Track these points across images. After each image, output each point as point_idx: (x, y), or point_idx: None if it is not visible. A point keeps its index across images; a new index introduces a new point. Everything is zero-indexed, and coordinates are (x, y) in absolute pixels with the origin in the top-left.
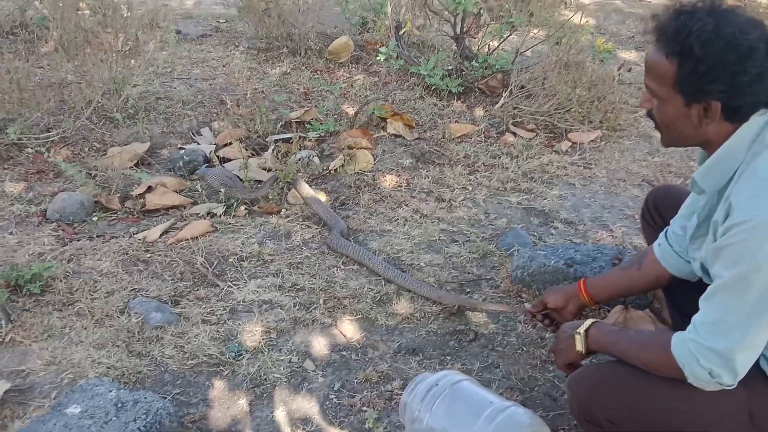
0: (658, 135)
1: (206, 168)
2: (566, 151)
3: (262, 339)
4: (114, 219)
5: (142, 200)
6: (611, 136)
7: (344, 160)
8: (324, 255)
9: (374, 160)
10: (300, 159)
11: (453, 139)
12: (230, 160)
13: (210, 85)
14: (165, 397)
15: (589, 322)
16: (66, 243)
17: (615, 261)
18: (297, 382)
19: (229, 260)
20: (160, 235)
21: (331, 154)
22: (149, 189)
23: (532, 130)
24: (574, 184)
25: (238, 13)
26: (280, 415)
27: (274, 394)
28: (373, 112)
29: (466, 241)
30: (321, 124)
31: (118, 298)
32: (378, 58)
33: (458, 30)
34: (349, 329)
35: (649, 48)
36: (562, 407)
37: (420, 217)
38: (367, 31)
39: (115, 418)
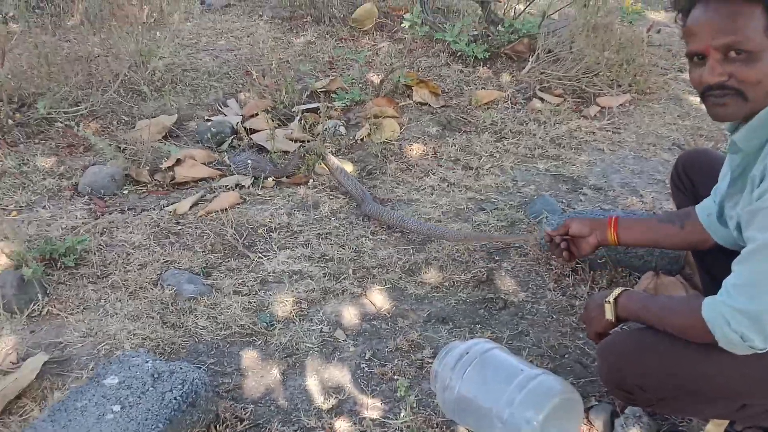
0: (689, 98)
1: (234, 157)
2: (595, 115)
3: (293, 309)
4: (144, 192)
5: (171, 173)
6: (641, 99)
7: (370, 130)
8: (352, 225)
9: (400, 128)
10: (326, 129)
11: (479, 105)
12: (257, 131)
13: (235, 55)
14: (200, 367)
15: (618, 290)
16: (98, 216)
17: None
18: (328, 352)
19: (259, 231)
20: (190, 208)
21: (357, 124)
22: (178, 162)
23: (559, 96)
24: (603, 150)
25: None
26: (312, 384)
27: (306, 363)
28: (398, 80)
29: (494, 209)
30: (346, 93)
31: (151, 270)
32: (402, 24)
33: None
34: (378, 299)
35: (708, 8)
36: (593, 374)
37: (447, 186)
38: None
39: (152, 388)
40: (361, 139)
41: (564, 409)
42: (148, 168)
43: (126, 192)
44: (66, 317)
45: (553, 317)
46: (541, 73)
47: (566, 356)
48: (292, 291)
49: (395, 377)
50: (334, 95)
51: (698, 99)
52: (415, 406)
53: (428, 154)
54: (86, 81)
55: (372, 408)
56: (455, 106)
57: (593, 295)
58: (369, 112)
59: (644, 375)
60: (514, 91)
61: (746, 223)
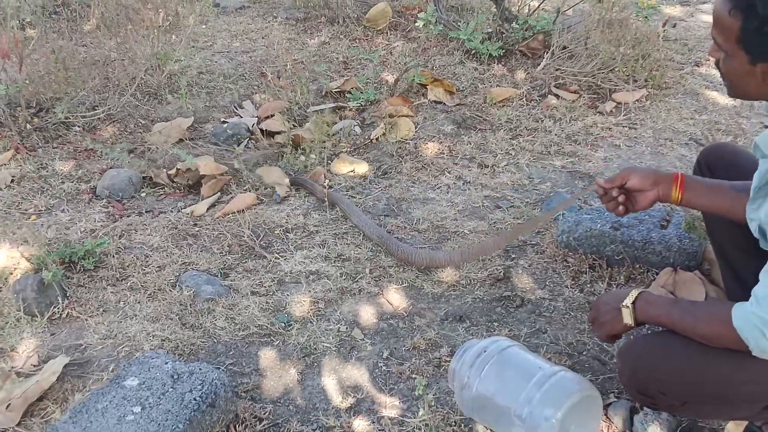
0: (706, 92)
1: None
2: (611, 111)
3: (311, 309)
4: (162, 194)
5: (187, 177)
6: (657, 94)
7: (385, 129)
8: None
9: (415, 127)
10: (341, 129)
11: (494, 103)
12: (273, 132)
13: (250, 57)
14: (219, 368)
15: (635, 292)
16: (116, 219)
17: (663, 223)
18: (346, 351)
19: (275, 232)
20: (207, 209)
21: (372, 123)
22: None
23: (575, 92)
24: (620, 146)
25: None
26: (330, 383)
27: (324, 362)
28: (413, 79)
29: (510, 206)
30: (361, 93)
31: (170, 272)
32: (416, 23)
33: None
34: (395, 298)
35: (717, 2)
36: (612, 371)
37: (463, 184)
38: None
39: (171, 389)
40: (376, 139)
41: (583, 406)
42: (165, 170)
43: (144, 195)
44: (86, 320)
45: (570, 314)
46: (556, 70)
47: (584, 353)
48: (310, 291)
49: (413, 376)
50: (348, 95)
51: (715, 93)
52: (433, 404)
53: (443, 153)
54: (103, 85)
55: (390, 407)
56: (470, 105)
57: (602, 295)
58: (384, 111)
59: (667, 381)
60: (529, 88)
61: None
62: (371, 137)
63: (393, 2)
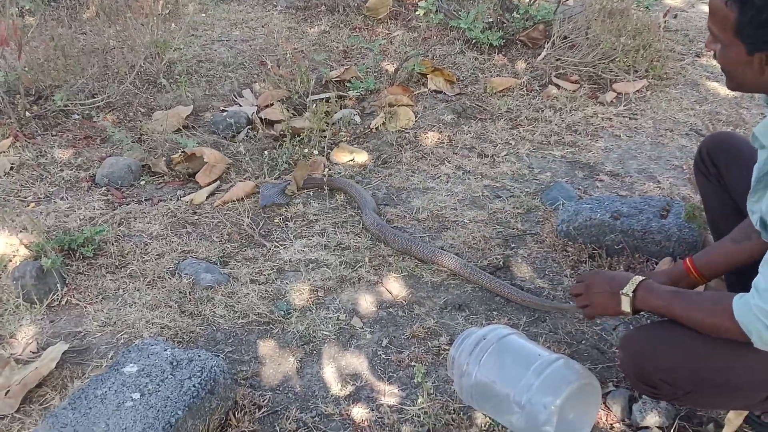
0: (707, 83)
1: (263, 200)
2: (611, 102)
3: (310, 297)
4: (161, 183)
5: (188, 165)
6: (657, 85)
7: (385, 118)
8: None
9: (415, 117)
10: (341, 118)
11: (495, 93)
12: (272, 121)
13: (250, 46)
14: (218, 355)
15: (636, 280)
16: (115, 207)
17: (662, 213)
18: (345, 339)
19: (275, 221)
20: (207, 198)
21: (372, 113)
22: (191, 155)
23: (575, 82)
24: (620, 136)
25: None
26: (329, 371)
27: (323, 350)
28: (413, 69)
29: (510, 196)
30: (361, 82)
31: (169, 260)
32: (417, 12)
33: None
34: (395, 286)
35: None
36: (611, 360)
37: (463, 174)
38: None
39: (170, 376)
40: (376, 128)
41: (582, 394)
42: (164, 159)
43: (143, 183)
44: (85, 307)
45: (570, 303)
46: (557, 60)
47: (583, 342)
48: (309, 279)
49: (412, 364)
50: (348, 84)
51: (716, 84)
52: (432, 392)
53: (443, 142)
54: (102, 73)
55: (389, 394)
56: (470, 94)
57: (596, 274)
58: (384, 100)
59: (669, 369)
60: (529, 78)
61: None
62: (371, 126)
63: None
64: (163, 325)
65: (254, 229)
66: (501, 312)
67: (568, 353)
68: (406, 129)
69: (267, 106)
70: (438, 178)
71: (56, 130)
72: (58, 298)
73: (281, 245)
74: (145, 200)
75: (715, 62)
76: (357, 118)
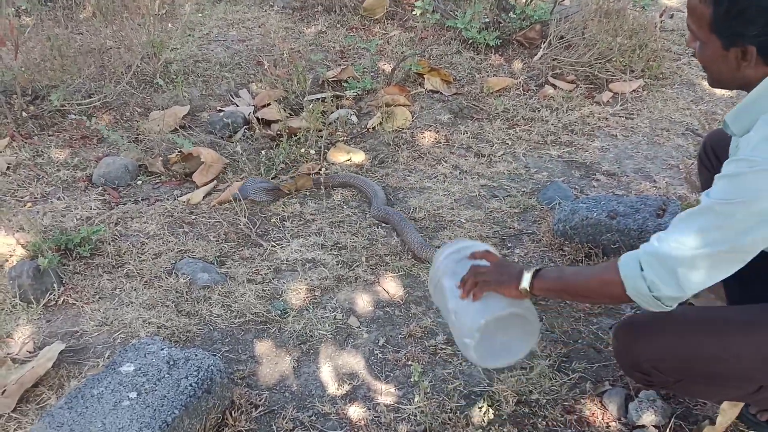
0: (703, 83)
1: (240, 191)
2: (607, 101)
3: (307, 297)
4: (158, 183)
5: (185, 164)
6: (654, 85)
7: (382, 118)
8: (365, 213)
9: (412, 117)
10: (338, 118)
11: (491, 93)
12: (269, 121)
13: (246, 46)
14: (215, 355)
15: (529, 276)
16: (112, 207)
17: (659, 212)
18: (342, 339)
19: (272, 220)
20: (204, 198)
21: (369, 112)
22: (188, 155)
23: (572, 82)
24: (616, 136)
25: None
26: (326, 370)
27: (320, 350)
28: (410, 69)
29: (507, 195)
30: (358, 82)
31: (166, 260)
32: (413, 12)
33: None
34: (391, 286)
35: None
36: (607, 359)
37: (459, 173)
38: None
39: (167, 375)
40: (373, 128)
41: (513, 324)
42: (161, 159)
43: (140, 183)
44: (82, 306)
45: (566, 303)
46: (554, 60)
47: (579, 341)
48: (306, 279)
49: (409, 363)
50: (345, 84)
51: None
52: (428, 391)
53: (440, 142)
54: (99, 73)
55: (386, 394)
56: (467, 94)
57: (497, 265)
58: (380, 100)
59: (660, 357)
60: (526, 78)
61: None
62: (368, 126)
63: None
64: (159, 324)
65: (251, 229)
66: None
67: (564, 352)
68: (403, 129)
69: (264, 106)
70: (435, 177)
71: (53, 129)
72: (54, 298)
73: (278, 245)
74: (142, 200)
75: None
76: (354, 118)
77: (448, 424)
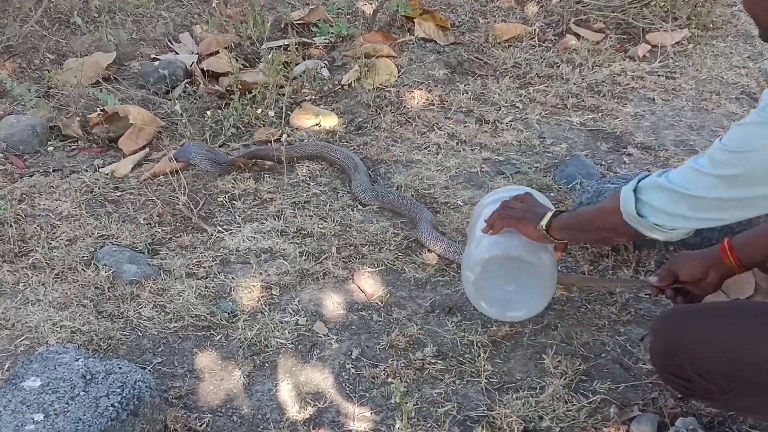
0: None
1: (180, 151)
2: (644, 56)
3: (262, 296)
4: (74, 149)
5: (108, 127)
6: (702, 36)
7: (360, 72)
8: (336, 192)
9: (398, 71)
10: (304, 71)
11: (499, 43)
12: (217, 73)
13: None
14: (144, 368)
15: (549, 214)
16: (16, 179)
17: None
18: (305, 349)
19: (219, 199)
20: (132, 169)
21: (344, 65)
22: (113, 115)
23: (599, 31)
24: (654, 99)
25: None
26: (285, 389)
27: (277, 363)
28: (396, 10)
29: (516, 172)
30: (331, 26)
31: (83, 247)
32: None
33: None
34: (369, 284)
35: None
36: (636, 377)
37: (457, 144)
38: None
39: (83, 392)
40: (349, 84)
41: (523, 276)
42: (79, 119)
43: (51, 149)
44: None
45: (587, 307)
46: (577, 3)
47: (603, 355)
48: (261, 274)
49: (389, 380)
50: (314, 29)
51: None
52: (413, 415)
53: (433, 104)
54: (1, 9)
55: (359, 418)
56: (468, 44)
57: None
58: (359, 50)
59: (705, 360)
60: (542, 24)
61: None
62: (342, 82)
63: None
64: (74, 328)
65: (192, 210)
66: None
67: (583, 369)
68: (387, 86)
69: (210, 55)
70: (426, 148)
71: None
72: None
73: (226, 230)
74: (54, 171)
75: None
76: (325, 72)
77: None
